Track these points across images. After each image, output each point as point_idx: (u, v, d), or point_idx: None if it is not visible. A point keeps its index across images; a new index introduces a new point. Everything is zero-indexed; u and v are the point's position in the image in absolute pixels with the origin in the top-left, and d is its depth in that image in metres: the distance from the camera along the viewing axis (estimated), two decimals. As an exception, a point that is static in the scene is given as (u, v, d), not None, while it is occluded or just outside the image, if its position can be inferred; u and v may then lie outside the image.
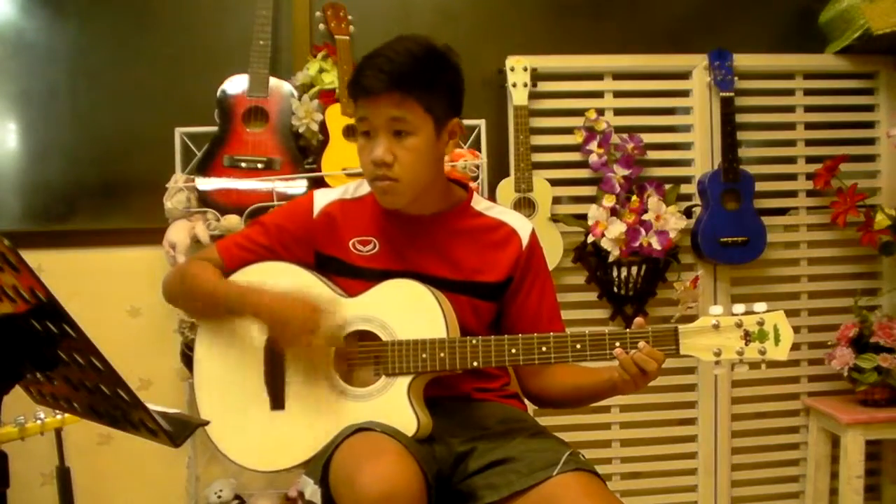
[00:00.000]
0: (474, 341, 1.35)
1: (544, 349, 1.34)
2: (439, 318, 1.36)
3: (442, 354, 1.35)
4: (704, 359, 1.31)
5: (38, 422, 1.74)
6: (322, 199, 1.50)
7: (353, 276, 1.45)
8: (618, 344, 1.31)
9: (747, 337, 1.30)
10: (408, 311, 1.38)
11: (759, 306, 1.31)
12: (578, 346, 1.33)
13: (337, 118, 2.35)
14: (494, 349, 1.35)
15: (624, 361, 1.29)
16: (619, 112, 2.58)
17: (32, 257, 1.16)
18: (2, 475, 0.99)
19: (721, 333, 1.31)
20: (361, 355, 1.40)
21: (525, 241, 1.49)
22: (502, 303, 1.50)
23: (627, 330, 1.32)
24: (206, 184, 2.32)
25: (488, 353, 1.35)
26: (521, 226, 1.51)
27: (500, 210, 1.54)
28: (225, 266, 1.49)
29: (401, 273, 1.42)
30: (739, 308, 1.32)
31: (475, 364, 1.35)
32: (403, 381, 1.35)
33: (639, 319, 1.33)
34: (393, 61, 1.32)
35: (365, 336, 1.40)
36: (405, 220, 1.46)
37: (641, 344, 1.29)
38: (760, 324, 1.30)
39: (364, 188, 1.51)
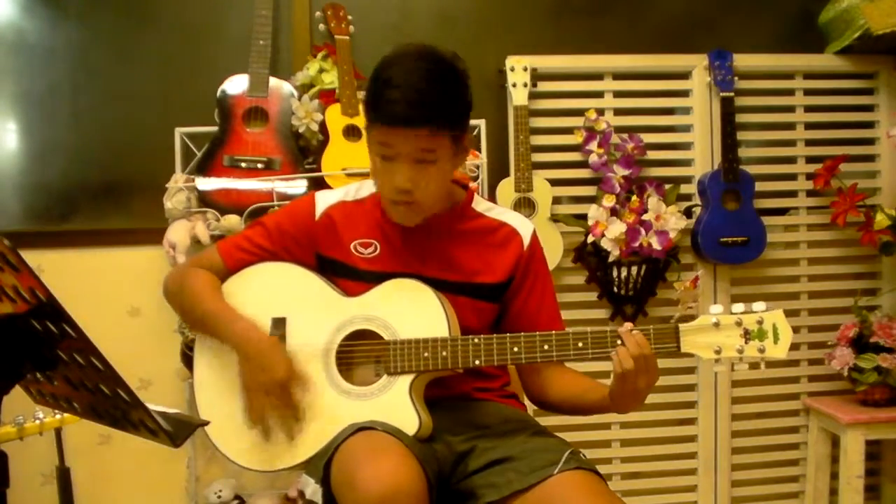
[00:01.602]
0: (476, 340, 1.35)
1: (546, 347, 1.34)
2: (441, 317, 1.37)
3: (444, 353, 1.35)
4: (705, 356, 1.32)
5: (37, 421, 1.74)
6: (323, 200, 1.50)
7: (354, 279, 1.45)
8: (619, 342, 1.31)
9: (747, 335, 1.31)
10: (410, 310, 1.38)
11: (758, 305, 1.32)
12: (580, 345, 1.34)
13: (337, 118, 2.35)
14: (497, 348, 1.35)
15: (621, 353, 1.28)
16: (619, 112, 2.58)
17: (32, 257, 1.16)
18: (2, 475, 0.99)
19: (721, 332, 1.31)
20: (363, 354, 1.40)
21: (526, 241, 1.49)
22: (503, 303, 1.50)
23: (630, 326, 1.32)
24: (206, 184, 2.32)
25: (490, 351, 1.35)
26: (523, 226, 1.51)
27: (501, 211, 1.54)
28: (226, 268, 1.49)
29: (402, 275, 1.42)
30: (739, 307, 1.33)
31: (477, 363, 1.35)
32: (405, 380, 1.35)
33: (627, 324, 1.33)
34: (424, 93, 1.29)
35: (367, 335, 1.40)
36: None
37: (635, 331, 1.29)
38: (760, 322, 1.31)
39: (365, 190, 1.51)
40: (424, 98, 1.29)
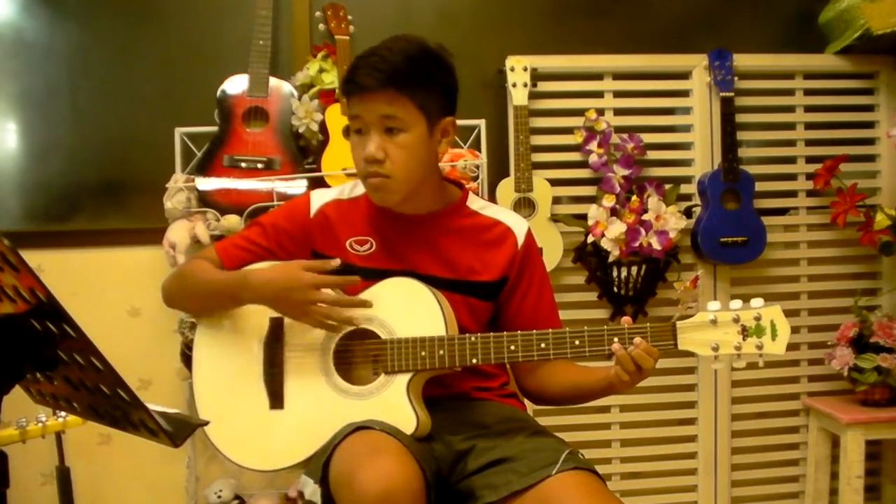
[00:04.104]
0: (473, 338, 1.35)
1: (543, 346, 1.34)
2: (438, 316, 1.37)
3: (441, 352, 1.35)
4: (702, 353, 1.31)
5: (40, 424, 1.73)
6: (319, 199, 1.51)
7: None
8: (616, 339, 1.31)
9: (744, 332, 1.30)
10: (407, 309, 1.38)
11: (756, 301, 1.31)
12: (577, 343, 1.33)
13: (337, 118, 2.35)
14: (493, 346, 1.35)
15: (622, 358, 1.29)
16: (619, 112, 2.58)
17: (32, 257, 1.16)
18: (2, 475, 0.99)
19: (718, 328, 1.30)
20: (361, 354, 1.40)
21: (521, 240, 1.49)
22: (499, 303, 1.50)
23: (626, 325, 1.32)
24: (206, 184, 2.32)
25: (487, 350, 1.35)
26: (517, 225, 1.51)
27: (496, 209, 1.54)
28: (224, 266, 1.49)
29: (397, 272, 1.43)
30: (736, 303, 1.32)
31: (474, 361, 1.35)
32: (402, 379, 1.35)
33: (626, 318, 1.33)
34: (386, 59, 1.34)
35: (364, 334, 1.40)
36: (401, 219, 1.47)
37: (637, 340, 1.29)
38: (757, 319, 1.30)
39: (360, 188, 1.51)
40: (387, 64, 1.33)
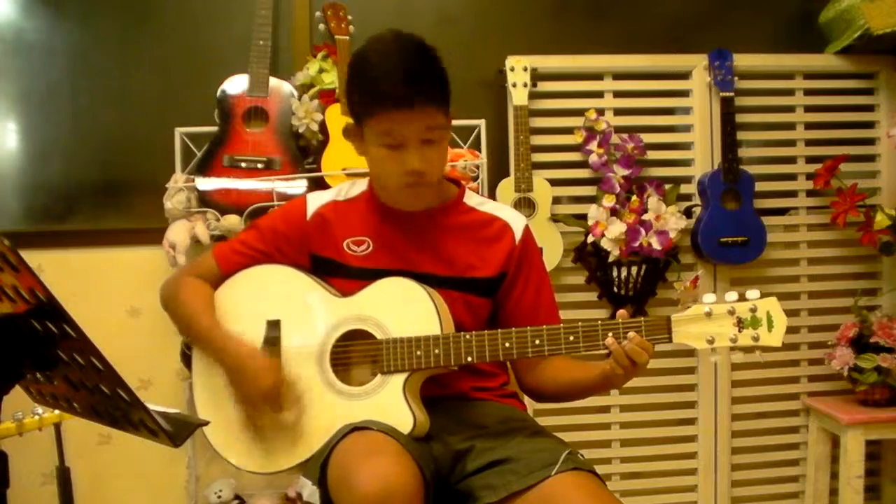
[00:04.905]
0: (468, 336, 1.35)
1: (538, 342, 1.34)
2: (433, 315, 1.36)
3: (436, 351, 1.35)
4: (698, 347, 1.30)
5: (36, 417, 1.73)
6: (315, 201, 1.51)
7: (348, 277, 1.45)
8: (610, 334, 1.30)
9: (740, 324, 1.29)
10: (402, 308, 1.38)
11: (752, 293, 1.30)
12: (571, 338, 1.33)
13: (337, 118, 2.35)
14: (488, 344, 1.35)
15: (616, 353, 1.28)
16: (619, 112, 2.58)
17: (32, 257, 1.16)
18: (2, 475, 0.99)
19: (714, 321, 1.29)
20: (357, 355, 1.40)
21: (518, 235, 1.49)
22: (497, 299, 1.50)
23: (620, 320, 1.31)
24: (206, 184, 2.32)
25: (482, 347, 1.35)
26: (514, 220, 1.51)
27: (493, 205, 1.54)
28: (221, 272, 1.50)
29: (395, 272, 1.42)
30: (732, 295, 1.31)
31: (469, 359, 1.35)
32: (399, 379, 1.35)
33: (622, 311, 1.33)
34: (419, 74, 1.33)
35: (360, 335, 1.40)
36: (398, 218, 1.47)
37: (631, 334, 1.28)
38: (753, 310, 1.29)
39: (357, 189, 1.51)
40: (421, 77, 1.33)
